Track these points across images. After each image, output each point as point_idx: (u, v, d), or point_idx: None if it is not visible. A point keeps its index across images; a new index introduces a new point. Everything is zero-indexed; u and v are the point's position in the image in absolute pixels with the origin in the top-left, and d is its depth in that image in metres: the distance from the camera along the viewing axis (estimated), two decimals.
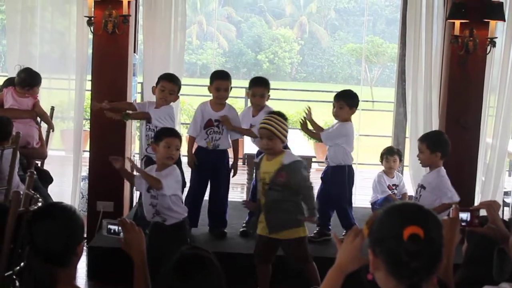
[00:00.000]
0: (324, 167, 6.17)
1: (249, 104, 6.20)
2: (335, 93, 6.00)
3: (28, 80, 5.92)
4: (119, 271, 2.67)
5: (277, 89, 6.08)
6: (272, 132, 4.71)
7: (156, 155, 4.71)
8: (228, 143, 5.93)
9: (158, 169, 4.66)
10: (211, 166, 5.90)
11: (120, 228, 2.80)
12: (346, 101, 5.84)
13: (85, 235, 2.71)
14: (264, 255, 4.92)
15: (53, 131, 6.29)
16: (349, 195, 6.06)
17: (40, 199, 3.59)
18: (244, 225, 6.10)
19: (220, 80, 5.86)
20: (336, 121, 6.01)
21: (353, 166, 6.10)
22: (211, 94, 5.93)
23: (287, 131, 4.82)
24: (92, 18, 6.16)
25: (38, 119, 6.09)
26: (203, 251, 2.53)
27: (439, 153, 5.06)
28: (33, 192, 3.69)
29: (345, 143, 5.87)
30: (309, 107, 6.10)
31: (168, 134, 4.68)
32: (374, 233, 2.12)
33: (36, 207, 3.40)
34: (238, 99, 14.62)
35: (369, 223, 2.19)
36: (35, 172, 3.88)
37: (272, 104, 6.14)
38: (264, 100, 5.93)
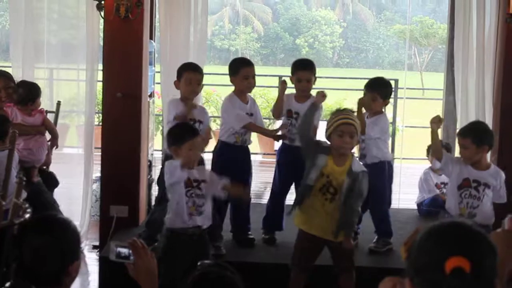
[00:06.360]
0: None
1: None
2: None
3: (28, 96, 5.93)
4: (135, 284, 2.60)
5: (318, 76, 5.94)
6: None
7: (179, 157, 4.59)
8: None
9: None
10: (239, 164, 5.72)
11: (130, 251, 2.70)
12: (380, 92, 5.68)
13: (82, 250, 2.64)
14: (308, 260, 4.86)
15: (57, 147, 6.26)
16: (389, 196, 5.87)
17: (29, 210, 3.50)
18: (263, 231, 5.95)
19: (248, 68, 5.74)
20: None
21: (397, 161, 5.94)
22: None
23: None
24: (102, 2, 6.09)
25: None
26: (226, 271, 2.46)
27: (486, 146, 4.94)
28: (22, 201, 3.60)
29: (385, 137, 5.76)
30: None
31: (193, 134, 4.69)
32: (412, 260, 1.94)
33: (23, 219, 3.31)
34: (271, 89, 14.47)
35: (408, 244, 2.02)
36: (24, 179, 3.80)
37: (312, 93, 5.96)
38: (311, 85, 5.84)
